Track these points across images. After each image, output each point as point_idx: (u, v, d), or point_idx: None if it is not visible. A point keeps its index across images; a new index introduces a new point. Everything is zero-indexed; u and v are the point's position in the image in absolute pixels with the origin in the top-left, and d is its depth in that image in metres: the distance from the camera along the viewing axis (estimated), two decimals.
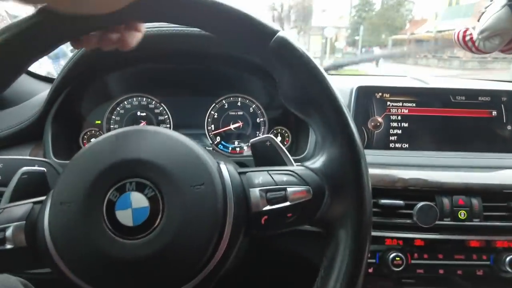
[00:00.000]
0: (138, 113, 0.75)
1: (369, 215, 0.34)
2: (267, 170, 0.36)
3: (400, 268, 0.65)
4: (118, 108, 0.75)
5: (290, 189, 0.34)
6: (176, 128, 0.76)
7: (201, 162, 0.33)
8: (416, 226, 0.65)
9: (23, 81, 0.88)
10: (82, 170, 0.32)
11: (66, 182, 0.32)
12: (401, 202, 0.65)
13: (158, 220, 0.30)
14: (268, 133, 0.77)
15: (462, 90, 0.75)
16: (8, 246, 0.32)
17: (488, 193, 0.66)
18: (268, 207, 0.34)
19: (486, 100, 0.75)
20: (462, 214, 0.65)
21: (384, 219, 0.66)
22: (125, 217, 0.30)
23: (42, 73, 0.91)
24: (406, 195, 0.67)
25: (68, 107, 0.70)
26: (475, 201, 0.65)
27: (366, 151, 0.73)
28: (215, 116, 0.77)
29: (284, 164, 0.39)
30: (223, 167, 0.35)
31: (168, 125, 0.75)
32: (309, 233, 0.67)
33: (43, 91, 0.81)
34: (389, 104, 0.75)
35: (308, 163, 0.37)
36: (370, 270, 0.68)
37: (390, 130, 0.75)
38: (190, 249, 0.30)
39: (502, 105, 0.75)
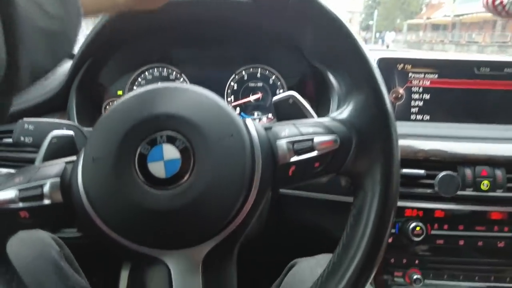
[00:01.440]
0: None
1: (397, 162, 0.34)
2: (293, 123, 0.36)
3: (420, 238, 0.65)
4: (139, 79, 0.76)
5: (317, 139, 0.34)
6: None
7: (229, 115, 0.33)
8: (437, 196, 0.65)
9: None
10: (113, 127, 0.32)
11: (97, 139, 0.33)
12: (422, 171, 0.65)
13: (190, 171, 0.30)
14: None
15: (486, 62, 0.73)
16: (46, 202, 0.32)
17: None
18: (295, 158, 0.34)
19: None
20: (485, 185, 0.64)
21: (404, 188, 0.66)
22: (157, 169, 0.30)
23: None
24: (428, 165, 0.66)
25: (91, 77, 0.71)
26: (498, 172, 0.65)
27: None
28: (235, 88, 0.77)
29: None
30: (249, 121, 0.35)
31: None
32: (329, 204, 0.68)
33: (66, 64, 0.82)
34: (411, 76, 0.74)
35: (333, 114, 0.37)
36: (390, 240, 0.68)
37: (412, 102, 0.74)
38: (221, 199, 0.31)
39: None
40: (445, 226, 0.67)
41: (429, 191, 0.66)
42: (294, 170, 0.34)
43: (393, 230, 0.68)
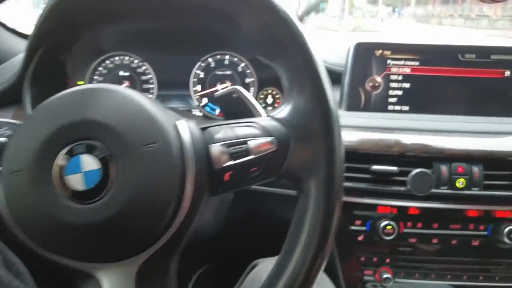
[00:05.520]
0: (121, 73, 0.71)
1: (341, 165, 0.32)
2: (228, 124, 0.34)
3: (391, 237, 0.62)
4: (100, 68, 0.72)
5: (252, 142, 0.32)
6: (161, 88, 0.72)
7: (153, 119, 0.30)
8: (410, 194, 0.62)
9: (7, 39, 0.85)
10: (29, 136, 0.30)
11: (15, 150, 0.31)
12: (394, 168, 0.61)
13: (112, 182, 0.29)
14: (258, 95, 0.72)
15: (472, 48, 0.68)
16: None
17: (491, 161, 0.62)
18: (231, 162, 0.32)
19: (499, 58, 0.68)
20: (460, 183, 0.61)
21: (376, 186, 0.63)
22: (76, 181, 0.29)
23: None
24: (402, 161, 0.63)
25: (47, 67, 0.66)
26: (475, 169, 0.61)
27: (362, 114, 0.70)
28: (201, 76, 0.72)
29: (254, 116, 0.37)
30: (181, 124, 0.33)
31: (152, 85, 0.72)
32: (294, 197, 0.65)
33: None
34: (390, 63, 0.69)
35: (273, 113, 0.34)
36: (360, 238, 0.66)
37: (390, 91, 0.69)
38: (148, 211, 0.29)
39: None
40: (419, 224, 0.64)
41: (402, 188, 0.62)
42: (231, 175, 0.32)
43: (364, 228, 0.65)
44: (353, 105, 0.69)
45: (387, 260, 0.66)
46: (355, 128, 0.64)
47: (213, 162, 0.32)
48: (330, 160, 0.32)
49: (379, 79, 0.69)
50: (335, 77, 0.69)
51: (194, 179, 0.31)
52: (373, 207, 0.64)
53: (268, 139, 0.33)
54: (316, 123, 0.32)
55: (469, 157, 0.62)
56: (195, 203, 0.31)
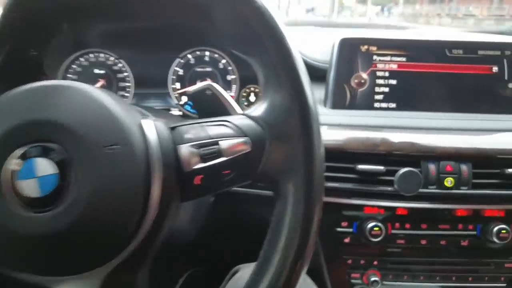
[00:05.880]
0: (96, 71, 0.68)
1: (321, 164, 0.30)
2: (200, 122, 0.32)
3: (379, 239, 0.60)
4: (74, 66, 0.68)
5: (224, 142, 0.30)
6: (138, 86, 0.69)
7: (115, 119, 0.28)
8: (398, 194, 0.60)
9: None
10: None
11: None
12: (381, 167, 0.59)
13: (70, 187, 0.26)
14: (239, 92, 0.70)
15: (459, 43, 0.66)
16: None
17: (480, 159, 0.60)
18: (201, 165, 0.30)
19: (487, 54, 0.67)
20: (449, 182, 0.59)
21: (362, 186, 0.61)
22: (29, 187, 0.26)
23: None
24: (389, 160, 0.61)
25: (17, 65, 0.63)
26: (464, 167, 0.59)
27: (348, 112, 0.68)
28: (180, 73, 0.69)
29: (229, 114, 0.36)
30: (147, 123, 0.30)
31: (129, 83, 0.69)
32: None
33: None
34: (376, 59, 0.67)
35: (248, 111, 0.32)
36: (347, 240, 0.63)
37: (376, 88, 0.67)
38: (110, 218, 0.27)
39: (505, 60, 0.67)
40: (407, 225, 0.62)
41: (389, 188, 0.60)
42: (202, 179, 0.30)
43: (350, 229, 0.63)
44: (339, 103, 0.66)
45: (375, 263, 0.64)
46: (340, 127, 0.62)
47: (182, 164, 0.30)
48: (309, 160, 0.30)
49: (365, 75, 0.67)
50: (320, 74, 0.67)
51: (161, 183, 0.29)
52: (360, 208, 0.62)
53: (242, 139, 0.31)
54: (293, 121, 0.30)
55: (457, 155, 0.60)
56: (164, 209, 0.29)
